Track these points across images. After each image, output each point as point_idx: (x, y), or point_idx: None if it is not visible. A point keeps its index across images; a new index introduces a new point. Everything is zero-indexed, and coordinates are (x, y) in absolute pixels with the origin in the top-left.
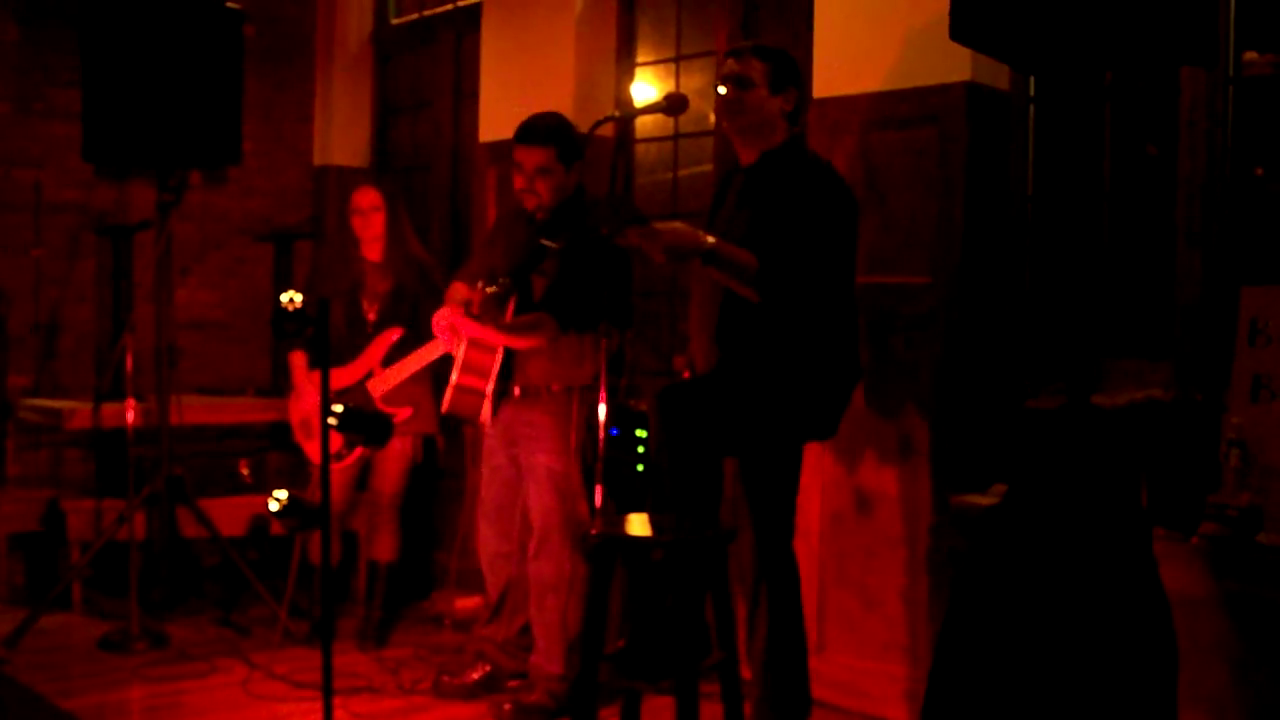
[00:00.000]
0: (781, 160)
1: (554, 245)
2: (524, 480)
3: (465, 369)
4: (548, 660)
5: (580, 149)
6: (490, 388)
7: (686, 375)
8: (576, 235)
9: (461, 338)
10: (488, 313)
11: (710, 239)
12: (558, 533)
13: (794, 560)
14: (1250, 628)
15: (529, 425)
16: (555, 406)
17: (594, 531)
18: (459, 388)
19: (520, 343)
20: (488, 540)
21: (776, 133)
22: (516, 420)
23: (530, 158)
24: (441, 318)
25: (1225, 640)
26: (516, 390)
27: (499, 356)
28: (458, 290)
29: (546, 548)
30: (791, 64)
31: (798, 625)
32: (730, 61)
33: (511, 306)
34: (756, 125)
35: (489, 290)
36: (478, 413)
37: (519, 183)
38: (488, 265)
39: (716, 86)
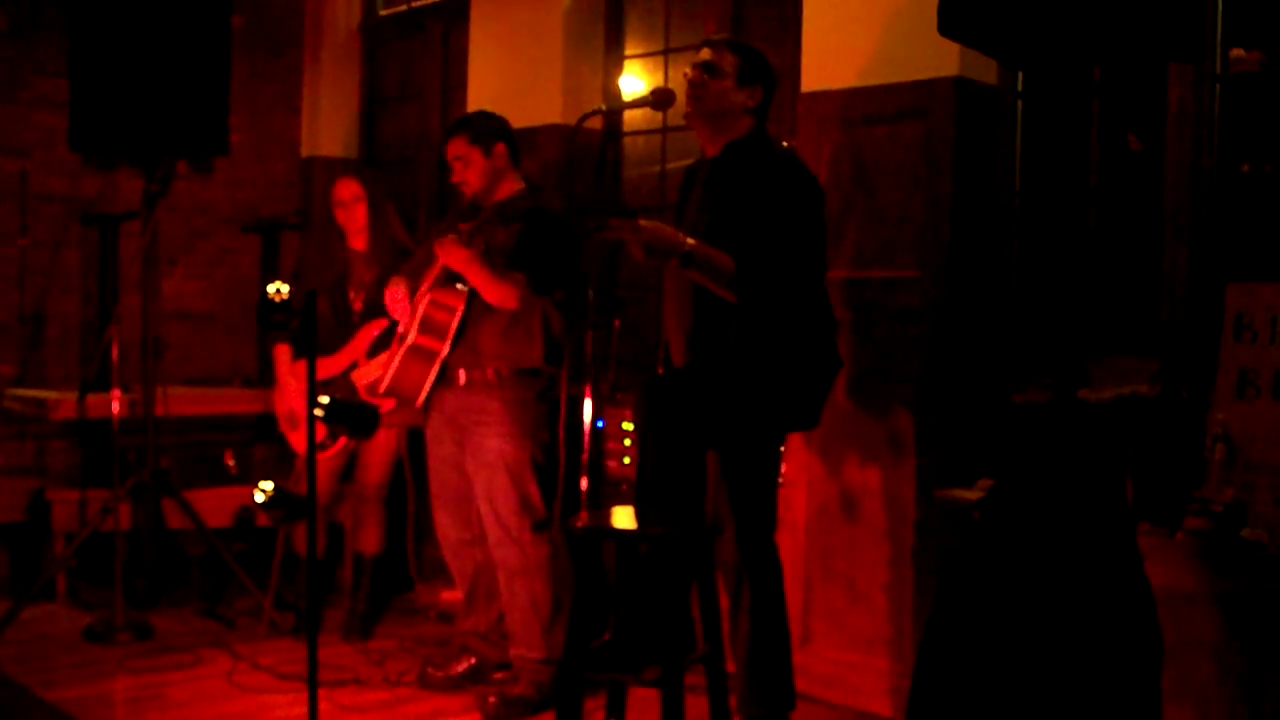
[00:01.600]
0: (746, 151)
1: (509, 223)
2: (470, 465)
3: (424, 328)
4: (529, 648)
5: (500, 134)
6: (446, 349)
7: (659, 371)
8: (535, 216)
9: (441, 260)
10: (479, 234)
11: (690, 241)
12: (515, 517)
13: (776, 553)
14: (1235, 622)
15: (479, 411)
16: (507, 393)
17: (579, 523)
18: (414, 348)
19: (495, 287)
20: (447, 530)
21: (738, 126)
22: (464, 407)
23: (447, 151)
24: (394, 295)
25: (1210, 635)
26: (462, 377)
27: (457, 318)
28: (398, 284)
29: (507, 533)
30: (764, 64)
31: (780, 618)
32: (705, 50)
33: None
34: (715, 114)
35: (478, 221)
36: (419, 391)
37: (453, 177)
38: (429, 255)
39: (685, 69)
